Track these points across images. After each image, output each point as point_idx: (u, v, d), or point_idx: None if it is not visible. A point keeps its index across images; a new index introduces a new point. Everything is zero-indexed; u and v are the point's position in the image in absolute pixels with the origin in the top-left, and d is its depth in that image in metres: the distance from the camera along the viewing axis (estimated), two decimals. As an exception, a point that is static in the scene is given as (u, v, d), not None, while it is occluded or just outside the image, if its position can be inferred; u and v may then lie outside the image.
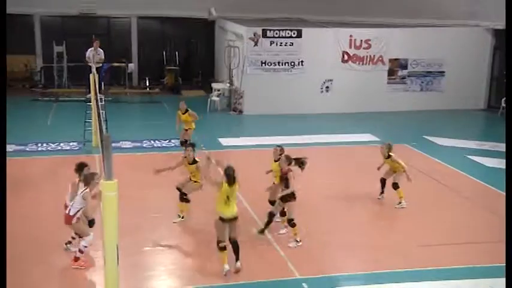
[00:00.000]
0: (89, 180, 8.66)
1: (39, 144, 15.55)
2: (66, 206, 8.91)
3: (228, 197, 8.61)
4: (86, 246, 8.75)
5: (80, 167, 9.20)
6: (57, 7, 23.06)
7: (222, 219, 8.70)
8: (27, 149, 15.20)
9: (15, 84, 23.48)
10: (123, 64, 23.17)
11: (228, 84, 21.59)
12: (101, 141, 8.79)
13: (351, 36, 20.99)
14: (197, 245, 9.97)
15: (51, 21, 23.94)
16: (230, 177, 8.61)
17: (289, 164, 9.82)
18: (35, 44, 23.72)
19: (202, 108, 20.77)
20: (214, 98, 21.18)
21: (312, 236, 10.28)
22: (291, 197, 9.80)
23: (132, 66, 23.61)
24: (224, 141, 16.65)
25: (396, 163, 11.83)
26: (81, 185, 8.89)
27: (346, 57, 21.07)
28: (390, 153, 11.89)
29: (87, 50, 18.74)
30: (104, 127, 10.58)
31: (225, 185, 8.60)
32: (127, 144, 15.73)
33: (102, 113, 12.07)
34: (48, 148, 15.33)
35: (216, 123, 19.57)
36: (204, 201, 10.74)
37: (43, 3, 22.85)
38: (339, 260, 9.71)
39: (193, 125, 14.72)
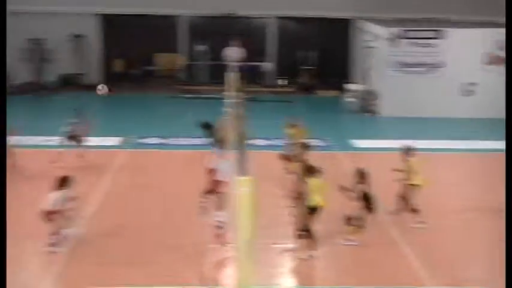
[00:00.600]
0: None
1: (179, 139, 16.35)
2: None
3: None
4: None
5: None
6: (201, 8, 24.10)
7: None
8: (169, 143, 16.05)
9: (161, 81, 24.94)
10: (261, 63, 23.68)
11: (364, 85, 21.25)
12: (237, 138, 9.01)
13: (497, 36, 19.70)
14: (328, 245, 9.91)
15: (195, 21, 25.07)
16: None
17: None
18: (180, 43, 24.97)
19: (337, 109, 20.67)
20: (349, 99, 20.95)
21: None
22: None
23: (269, 66, 24.06)
24: (358, 143, 16.40)
25: None
26: None
27: (493, 59, 19.83)
28: None
29: (227, 49, 19.36)
30: (240, 125, 10.83)
31: None
32: (261, 142, 16.02)
33: (240, 110, 12.37)
34: (187, 142, 16.05)
35: (349, 124, 19.36)
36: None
37: (188, 5, 23.99)
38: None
39: None
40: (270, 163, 13.25)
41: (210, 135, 11.92)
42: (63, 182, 9.53)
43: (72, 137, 13.60)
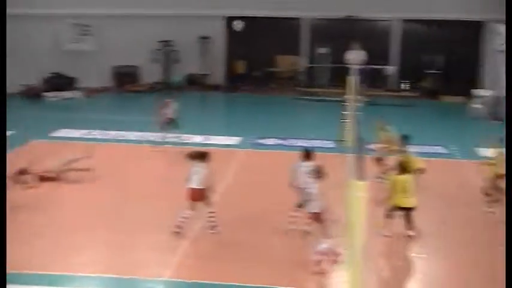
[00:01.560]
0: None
1: (297, 140, 16.43)
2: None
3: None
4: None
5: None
6: (324, 11, 24.10)
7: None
8: (286, 144, 16.20)
9: (282, 83, 25.29)
10: (383, 66, 23.23)
11: (493, 91, 20.11)
12: (355, 142, 8.93)
13: None
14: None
15: (318, 24, 25.11)
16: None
17: None
18: (301, 45, 25.13)
19: (461, 115, 19.76)
20: (476, 105, 19.93)
21: None
22: None
23: (391, 69, 23.53)
24: (482, 151, 15.55)
25: None
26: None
27: None
28: None
29: (349, 52, 19.21)
30: (358, 128, 10.71)
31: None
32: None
33: (358, 114, 12.23)
34: (305, 144, 16.07)
35: (475, 131, 18.42)
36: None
37: (311, 7, 24.08)
38: None
39: None
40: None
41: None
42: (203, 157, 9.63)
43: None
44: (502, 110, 19.31)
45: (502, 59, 19.94)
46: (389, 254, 9.63)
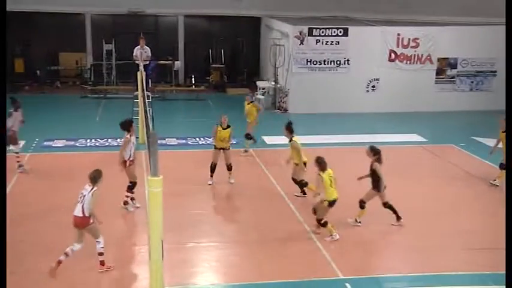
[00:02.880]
0: (96, 179, 8.58)
1: (88, 140, 15.90)
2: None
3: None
4: (103, 247, 8.65)
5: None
6: (107, 6, 23.55)
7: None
8: (77, 144, 15.58)
9: (67, 81, 24.16)
10: (170, 62, 23.50)
11: (273, 83, 21.60)
12: (148, 138, 8.92)
13: (398, 34, 20.69)
14: (243, 243, 10.01)
15: (101, 20, 24.46)
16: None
17: (375, 155, 10.46)
18: (86, 42, 24.27)
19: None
20: (259, 97, 21.20)
21: (357, 235, 10.21)
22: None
23: (179, 64, 23.91)
24: (268, 139, 16.66)
25: None
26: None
27: (393, 56, 20.78)
28: None
29: (134, 48, 19.05)
30: (150, 124, 10.73)
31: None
32: (172, 141, 15.92)
33: (149, 110, 12.24)
34: (97, 144, 15.65)
35: (260, 121, 19.61)
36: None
37: (94, 2, 23.37)
38: (384, 260, 9.62)
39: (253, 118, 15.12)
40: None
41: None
42: None
43: None
44: (283, 100, 20.89)
45: (276, 52, 21.51)
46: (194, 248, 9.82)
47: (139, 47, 18.99)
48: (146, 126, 10.66)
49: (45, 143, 15.45)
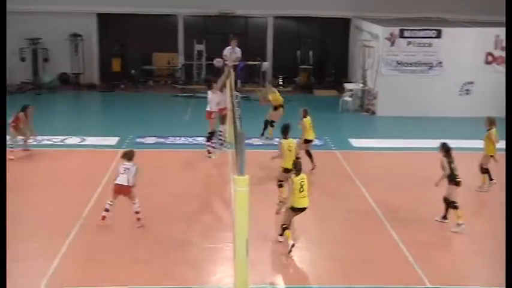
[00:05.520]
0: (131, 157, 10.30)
1: (178, 138, 16.35)
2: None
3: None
4: (139, 207, 10.22)
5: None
6: (198, 7, 24.12)
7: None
8: (167, 142, 16.06)
9: (159, 80, 24.97)
10: (258, 62, 23.73)
11: (361, 85, 21.28)
12: (235, 137, 9.04)
13: (497, 36, 19.74)
14: (325, 243, 9.94)
15: (193, 21, 25.09)
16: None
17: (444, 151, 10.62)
18: (178, 43, 24.98)
19: (334, 108, 20.68)
20: (347, 98, 20.98)
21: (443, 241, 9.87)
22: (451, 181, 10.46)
23: (267, 65, 24.09)
24: (355, 142, 16.44)
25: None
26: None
27: (490, 58, 19.88)
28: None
29: (225, 49, 19.37)
30: (238, 124, 10.88)
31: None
32: (258, 141, 16.03)
33: (237, 110, 12.41)
34: (186, 142, 16.06)
35: (347, 123, 19.40)
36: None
37: (186, 4, 24.01)
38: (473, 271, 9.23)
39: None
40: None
41: None
42: None
43: None
44: (371, 102, 20.54)
45: (365, 53, 21.17)
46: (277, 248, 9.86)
47: (230, 47, 19.27)
48: (234, 126, 10.83)
49: (138, 140, 16.04)
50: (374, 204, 11.63)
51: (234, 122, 10.77)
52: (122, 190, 10.11)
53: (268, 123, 16.06)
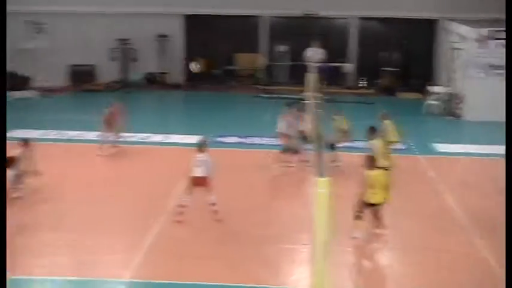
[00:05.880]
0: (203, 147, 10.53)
1: (258, 138, 16.46)
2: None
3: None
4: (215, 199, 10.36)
5: None
6: (282, 8, 24.19)
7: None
8: (247, 142, 16.22)
9: (242, 81, 25.27)
10: (341, 64, 23.50)
11: (448, 88, 20.58)
12: (315, 139, 9.00)
13: None
14: (407, 249, 9.70)
15: (277, 22, 25.20)
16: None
17: None
18: (261, 43, 25.18)
19: (418, 112, 20.14)
20: (431, 102, 20.36)
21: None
22: None
23: (349, 67, 23.81)
24: (440, 146, 15.93)
25: None
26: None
27: None
28: None
29: (308, 50, 19.30)
30: (318, 125, 10.81)
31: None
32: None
33: (319, 111, 12.34)
34: (265, 142, 16.12)
35: (432, 127, 18.83)
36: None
37: (270, 5, 24.15)
38: None
39: None
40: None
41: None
42: None
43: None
44: (457, 106, 19.83)
45: (455, 56, 20.46)
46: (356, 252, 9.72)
47: (312, 48, 19.20)
48: (315, 128, 10.77)
49: (219, 139, 16.29)
50: (459, 211, 11.23)
51: (315, 124, 10.71)
52: (199, 181, 10.25)
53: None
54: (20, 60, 22.74)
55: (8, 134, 15.86)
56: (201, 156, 10.42)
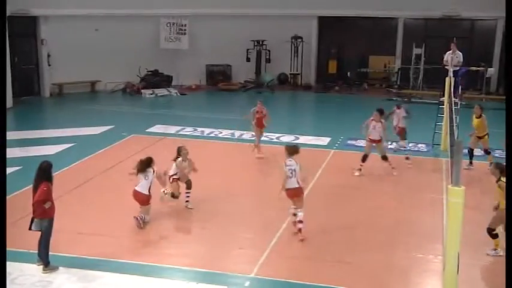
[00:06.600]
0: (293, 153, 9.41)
1: (388, 143, 15.99)
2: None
3: None
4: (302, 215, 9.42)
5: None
6: (421, 10, 23.44)
7: None
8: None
9: (374, 83, 24.86)
10: (482, 68, 22.26)
11: None
12: (451, 146, 8.62)
13: None
14: None
15: (413, 24, 24.47)
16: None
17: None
18: (396, 45, 24.58)
19: None
20: None
21: None
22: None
23: (492, 71, 22.47)
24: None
25: None
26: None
27: None
28: None
29: (445, 53, 18.52)
30: (455, 132, 10.33)
31: None
32: (476, 152, 14.97)
33: (455, 117, 11.79)
34: (393, 146, 15.61)
35: None
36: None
37: (408, 7, 23.48)
38: None
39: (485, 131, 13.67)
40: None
41: None
42: None
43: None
44: None
45: None
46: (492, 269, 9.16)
47: (450, 51, 18.39)
48: (450, 134, 10.32)
49: (349, 142, 16.12)
50: None
51: (451, 131, 10.27)
52: (294, 194, 9.37)
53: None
54: (163, 59, 24.14)
55: (150, 129, 17.10)
56: (290, 163, 9.33)
